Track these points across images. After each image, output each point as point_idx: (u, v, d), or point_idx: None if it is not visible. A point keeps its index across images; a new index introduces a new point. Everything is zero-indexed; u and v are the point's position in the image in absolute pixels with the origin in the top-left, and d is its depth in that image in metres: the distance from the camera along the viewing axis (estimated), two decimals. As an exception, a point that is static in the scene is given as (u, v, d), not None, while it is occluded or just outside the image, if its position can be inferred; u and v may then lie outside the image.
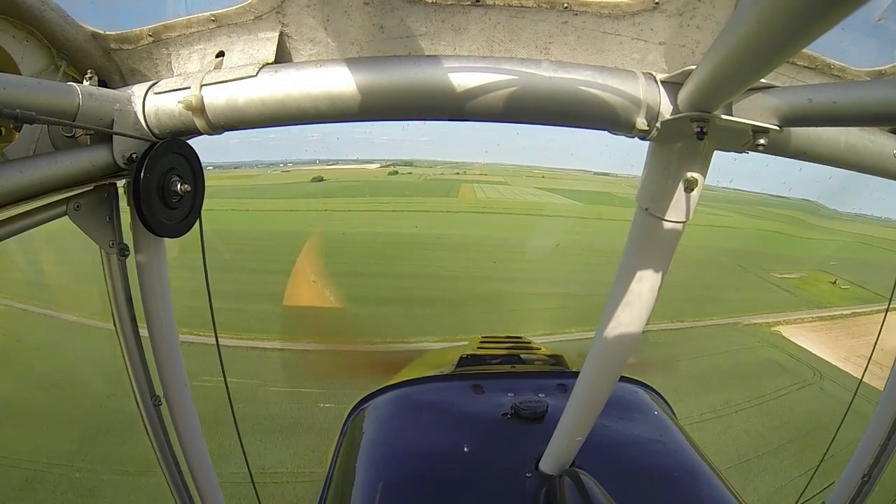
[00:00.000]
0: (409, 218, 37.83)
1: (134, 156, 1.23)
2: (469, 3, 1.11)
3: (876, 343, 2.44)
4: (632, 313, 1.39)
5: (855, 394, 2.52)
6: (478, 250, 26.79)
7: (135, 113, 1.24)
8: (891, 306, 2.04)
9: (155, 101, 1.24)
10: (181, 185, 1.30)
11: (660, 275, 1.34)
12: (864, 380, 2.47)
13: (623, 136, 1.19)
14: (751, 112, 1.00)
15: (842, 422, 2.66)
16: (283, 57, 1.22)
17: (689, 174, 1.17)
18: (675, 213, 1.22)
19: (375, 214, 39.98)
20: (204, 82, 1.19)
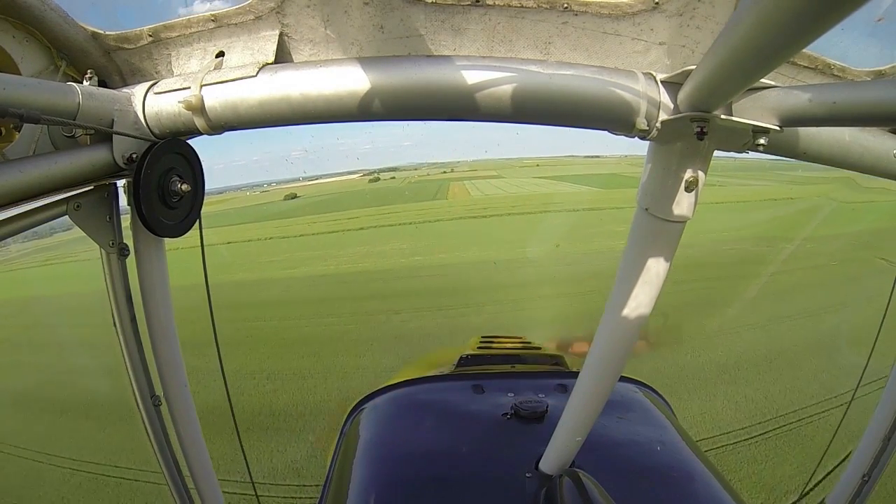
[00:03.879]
0: (381, 237, 26.02)
1: (134, 156, 1.23)
2: (469, 3, 1.11)
3: (876, 341, 2.44)
4: (632, 314, 1.39)
5: (855, 392, 2.52)
6: (494, 301, 12.73)
7: (135, 113, 1.24)
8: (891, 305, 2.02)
9: (155, 101, 1.24)
10: (181, 185, 1.30)
11: (661, 275, 1.34)
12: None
13: (623, 136, 1.19)
14: (751, 112, 1.00)
15: (842, 421, 2.66)
16: (283, 57, 1.22)
17: (690, 174, 1.17)
18: (676, 212, 1.22)
19: (335, 237, 28.80)
20: (204, 82, 1.19)
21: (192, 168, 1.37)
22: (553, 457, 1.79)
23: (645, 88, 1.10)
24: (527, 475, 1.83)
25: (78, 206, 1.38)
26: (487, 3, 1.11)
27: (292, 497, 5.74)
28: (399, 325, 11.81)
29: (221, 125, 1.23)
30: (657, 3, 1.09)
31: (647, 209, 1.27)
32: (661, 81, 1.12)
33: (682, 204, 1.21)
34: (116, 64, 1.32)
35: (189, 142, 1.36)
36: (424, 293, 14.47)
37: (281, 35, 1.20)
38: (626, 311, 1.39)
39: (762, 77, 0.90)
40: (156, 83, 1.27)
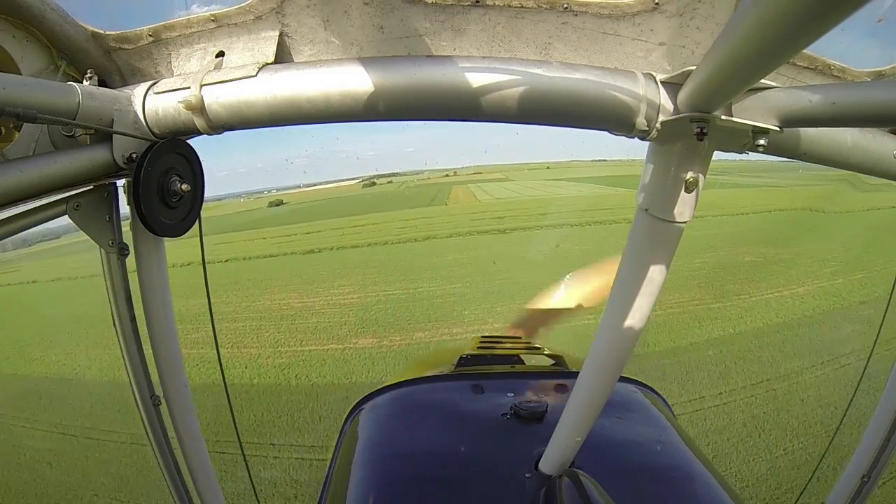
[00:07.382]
0: (326, 271, 17.18)
1: (134, 155, 1.23)
2: (469, 3, 1.11)
3: (876, 340, 2.44)
4: (632, 314, 1.39)
5: (855, 393, 2.53)
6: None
7: (135, 113, 1.24)
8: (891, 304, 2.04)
9: (155, 101, 1.24)
10: (181, 184, 1.30)
11: (660, 276, 1.34)
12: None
13: (623, 137, 1.19)
14: (751, 112, 1.00)
15: (842, 421, 2.67)
16: (283, 57, 1.22)
17: (689, 175, 1.17)
18: (676, 213, 1.22)
19: (265, 266, 20.82)
20: (204, 82, 1.19)
21: (192, 168, 1.37)
22: (553, 457, 1.79)
23: (645, 89, 1.10)
24: (526, 475, 1.83)
25: (77, 206, 1.38)
26: (487, 3, 1.11)
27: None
28: None
29: (221, 125, 1.23)
30: (657, 4, 1.09)
31: (646, 210, 1.27)
32: (661, 82, 1.12)
33: (682, 205, 1.21)
34: (116, 64, 1.32)
35: (189, 142, 1.36)
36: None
37: (281, 35, 1.20)
38: (625, 312, 1.39)
39: (762, 77, 0.90)
40: (156, 83, 1.27)
